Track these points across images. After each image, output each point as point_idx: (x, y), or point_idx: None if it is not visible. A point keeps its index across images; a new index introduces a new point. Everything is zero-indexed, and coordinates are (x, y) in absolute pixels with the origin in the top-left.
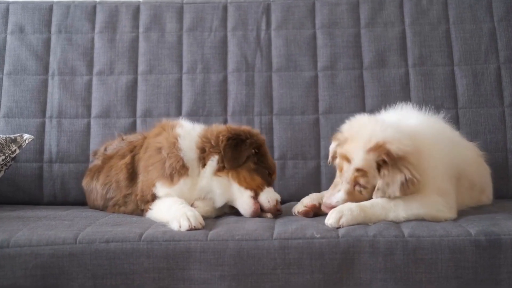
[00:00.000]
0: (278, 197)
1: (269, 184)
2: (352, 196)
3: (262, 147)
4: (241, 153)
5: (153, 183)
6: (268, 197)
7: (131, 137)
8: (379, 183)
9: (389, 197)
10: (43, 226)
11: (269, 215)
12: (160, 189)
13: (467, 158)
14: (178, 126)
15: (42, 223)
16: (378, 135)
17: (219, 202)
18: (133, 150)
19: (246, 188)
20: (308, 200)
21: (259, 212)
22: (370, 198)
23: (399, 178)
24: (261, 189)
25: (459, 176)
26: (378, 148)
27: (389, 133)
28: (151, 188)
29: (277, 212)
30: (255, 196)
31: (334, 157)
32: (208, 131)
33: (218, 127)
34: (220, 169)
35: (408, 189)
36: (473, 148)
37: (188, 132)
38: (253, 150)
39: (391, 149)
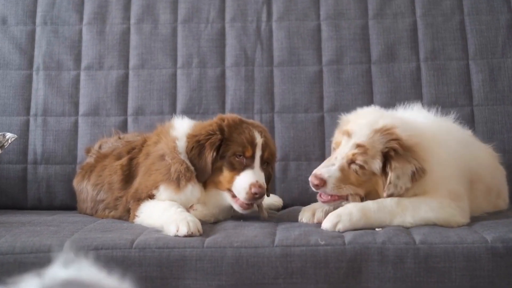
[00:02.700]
0: (248, 182)
1: (242, 168)
2: (346, 174)
3: (226, 136)
4: (206, 161)
5: (156, 185)
6: (238, 188)
7: (129, 136)
8: (390, 176)
9: (400, 190)
10: (27, 232)
11: (261, 215)
12: (164, 192)
13: (482, 161)
14: (172, 129)
15: (26, 229)
16: (386, 119)
17: (225, 214)
18: (131, 152)
19: (224, 189)
20: (321, 215)
21: (247, 205)
22: (367, 182)
23: (409, 168)
24: (231, 183)
25: (474, 180)
26: (386, 131)
27: (397, 120)
28: (151, 189)
29: (255, 197)
30: (233, 194)
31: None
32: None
33: (194, 129)
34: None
35: (419, 179)
36: (488, 150)
37: (183, 133)
38: (215, 149)
39: (402, 136)
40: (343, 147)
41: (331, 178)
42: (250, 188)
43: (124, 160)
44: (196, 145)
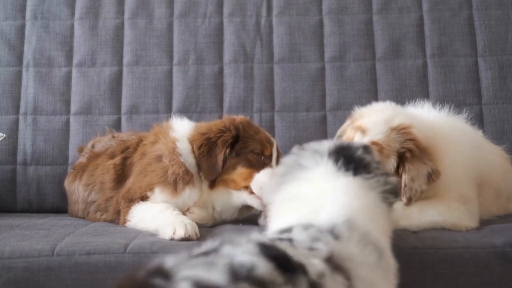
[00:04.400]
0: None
1: (261, 166)
2: None
3: (242, 133)
4: (217, 159)
5: (151, 187)
6: (261, 184)
7: (124, 135)
8: (404, 179)
9: (416, 193)
10: (16, 236)
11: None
12: (159, 195)
13: (493, 164)
14: (171, 130)
15: (15, 232)
16: (402, 117)
17: (229, 215)
18: (125, 151)
19: (241, 189)
20: None
21: None
22: None
23: (425, 169)
24: (251, 180)
25: (483, 183)
26: (403, 129)
27: (414, 119)
28: (146, 191)
29: None
30: (251, 191)
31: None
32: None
33: (198, 128)
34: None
35: (434, 181)
36: (499, 151)
37: (184, 134)
38: (228, 146)
39: (419, 137)
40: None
41: None
42: None
43: (117, 159)
44: (206, 143)
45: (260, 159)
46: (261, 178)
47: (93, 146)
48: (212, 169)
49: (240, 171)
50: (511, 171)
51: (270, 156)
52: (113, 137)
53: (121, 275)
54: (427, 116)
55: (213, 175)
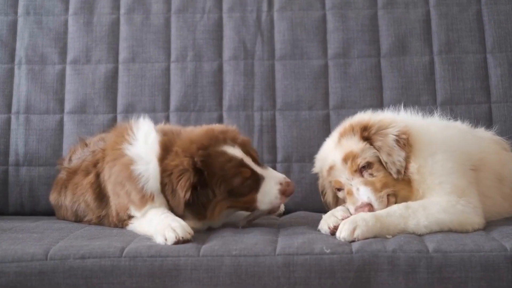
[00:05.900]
0: (276, 189)
1: (256, 185)
2: (373, 185)
3: (207, 173)
4: (179, 198)
5: (127, 206)
6: (267, 202)
7: (94, 143)
8: (383, 158)
9: (403, 164)
10: (9, 240)
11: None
12: (135, 212)
13: (486, 146)
14: (126, 146)
15: (7, 236)
16: (335, 132)
17: (224, 219)
18: (96, 166)
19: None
20: (342, 214)
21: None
22: (389, 179)
23: (389, 138)
24: (255, 203)
25: (478, 167)
26: (348, 129)
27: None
28: (126, 211)
29: (289, 192)
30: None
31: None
32: (165, 158)
33: (167, 149)
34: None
35: (406, 141)
36: (497, 140)
37: (143, 152)
38: (189, 189)
39: (362, 120)
40: (345, 179)
41: (371, 197)
42: (284, 193)
43: (91, 178)
44: (169, 180)
45: (247, 182)
46: (265, 196)
47: (70, 159)
48: (177, 207)
49: (240, 201)
50: None
51: (251, 170)
52: (86, 145)
53: (117, 279)
54: (404, 117)
55: (179, 211)
